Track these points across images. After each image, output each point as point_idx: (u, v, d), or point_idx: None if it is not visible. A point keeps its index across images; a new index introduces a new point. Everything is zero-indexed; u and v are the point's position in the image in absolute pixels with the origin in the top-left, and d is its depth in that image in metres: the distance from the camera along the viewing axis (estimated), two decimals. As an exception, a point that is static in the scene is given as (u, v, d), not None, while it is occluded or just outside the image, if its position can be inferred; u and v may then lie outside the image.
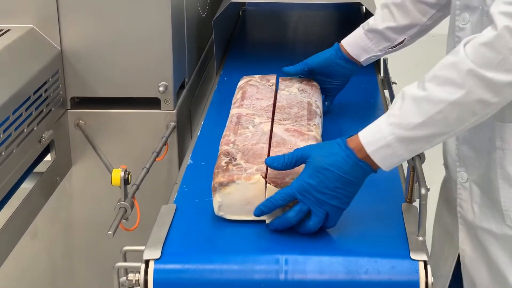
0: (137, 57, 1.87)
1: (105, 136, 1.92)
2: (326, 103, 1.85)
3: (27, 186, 1.75)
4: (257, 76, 1.83)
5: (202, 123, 1.86)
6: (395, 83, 2.27)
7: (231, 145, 1.46)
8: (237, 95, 1.73)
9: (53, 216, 1.99)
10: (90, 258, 2.03)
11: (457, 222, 1.54)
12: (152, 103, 1.91)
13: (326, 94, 1.84)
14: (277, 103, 1.68)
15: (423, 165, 1.41)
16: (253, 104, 1.65)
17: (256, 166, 1.38)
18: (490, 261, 1.46)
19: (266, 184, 1.34)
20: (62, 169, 1.90)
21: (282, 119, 1.59)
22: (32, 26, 1.84)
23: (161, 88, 1.87)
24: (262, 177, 1.34)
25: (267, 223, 1.34)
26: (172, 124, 1.91)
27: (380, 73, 2.26)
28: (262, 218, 1.35)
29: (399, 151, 1.27)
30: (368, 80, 2.19)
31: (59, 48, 1.86)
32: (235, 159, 1.40)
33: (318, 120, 1.61)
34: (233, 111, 1.64)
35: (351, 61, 1.78)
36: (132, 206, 1.46)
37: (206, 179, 1.47)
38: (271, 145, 1.47)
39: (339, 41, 1.81)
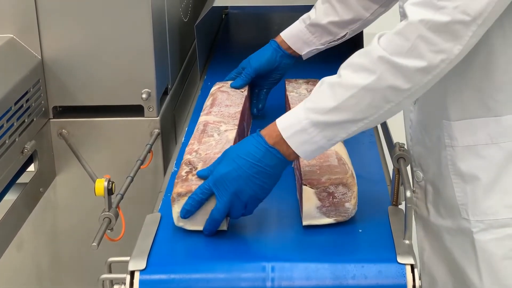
0: (119, 64, 1.85)
1: (88, 145, 1.91)
2: (262, 96, 1.87)
3: (10, 197, 1.73)
4: (229, 82, 1.82)
5: (186, 129, 1.85)
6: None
7: (194, 154, 1.46)
8: (207, 102, 1.73)
9: (38, 227, 1.97)
10: (77, 268, 2.01)
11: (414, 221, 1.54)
12: (136, 110, 1.90)
13: (263, 88, 1.86)
14: (290, 105, 1.67)
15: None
16: (221, 111, 1.65)
17: None
18: (447, 257, 1.46)
19: (302, 187, 1.35)
20: (46, 180, 1.88)
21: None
22: (12, 35, 1.82)
23: (144, 95, 1.85)
24: None
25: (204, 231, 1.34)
26: (156, 131, 1.89)
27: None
28: (221, 228, 1.35)
29: (315, 137, 1.26)
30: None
31: (40, 57, 1.84)
32: (196, 169, 1.39)
33: None
34: (201, 118, 1.63)
35: (291, 55, 1.80)
36: (117, 216, 1.45)
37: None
38: None
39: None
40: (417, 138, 1.48)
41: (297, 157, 1.29)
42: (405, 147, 1.46)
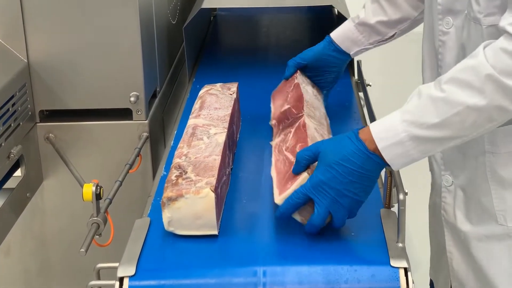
0: (107, 67, 1.83)
1: (76, 149, 1.88)
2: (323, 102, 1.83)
3: (-3, 203, 1.71)
4: (218, 84, 1.81)
5: (175, 132, 1.82)
6: (370, 85, 2.25)
7: (183, 157, 1.44)
8: (196, 104, 1.71)
9: (26, 233, 1.95)
10: (66, 274, 1.99)
11: (443, 226, 1.52)
12: (124, 114, 1.88)
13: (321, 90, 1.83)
14: (304, 98, 1.65)
15: (407, 170, 1.39)
16: (210, 114, 1.62)
17: (206, 179, 1.35)
18: (476, 264, 1.44)
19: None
20: (33, 185, 1.85)
21: (310, 115, 1.58)
22: (-3, 39, 1.79)
23: (132, 99, 1.83)
24: (212, 190, 1.32)
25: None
26: (145, 134, 1.87)
27: (354, 75, 2.24)
28: (212, 232, 1.33)
29: (411, 151, 1.25)
30: (342, 83, 2.16)
31: (26, 60, 1.81)
32: (186, 172, 1.37)
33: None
34: (190, 121, 1.61)
35: (344, 51, 1.77)
36: (105, 221, 1.43)
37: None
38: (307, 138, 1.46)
39: (312, 44, 1.80)
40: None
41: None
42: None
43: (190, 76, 2.22)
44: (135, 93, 1.85)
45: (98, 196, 1.41)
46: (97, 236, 1.42)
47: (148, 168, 1.88)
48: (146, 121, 1.88)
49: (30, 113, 1.83)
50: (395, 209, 1.38)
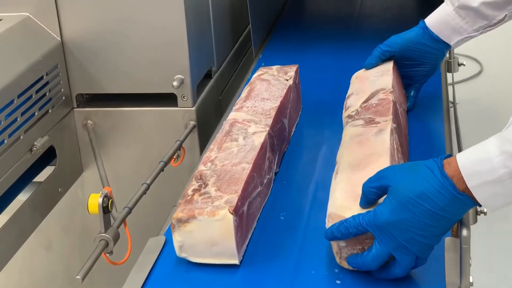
0: (149, 47, 1.61)
1: (115, 138, 1.68)
2: (412, 93, 1.56)
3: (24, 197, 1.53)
4: (275, 67, 1.55)
5: (224, 123, 1.59)
6: (463, 65, 1.94)
7: (209, 164, 1.20)
8: (243, 93, 1.46)
9: (67, 227, 1.77)
10: (108, 269, 1.79)
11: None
12: (169, 99, 1.65)
13: (411, 83, 1.56)
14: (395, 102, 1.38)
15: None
16: (255, 107, 1.38)
17: (227, 196, 1.11)
18: None
19: None
20: (68, 178, 1.67)
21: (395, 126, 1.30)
22: (28, 14, 1.60)
23: (175, 83, 1.60)
24: (230, 212, 1.07)
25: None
26: (192, 123, 1.64)
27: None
28: (232, 261, 1.10)
29: None
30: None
31: (59, 39, 1.62)
32: (206, 185, 1.14)
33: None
34: (230, 115, 1.37)
35: (442, 40, 1.49)
36: (117, 237, 1.21)
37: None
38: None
39: (419, 19, 1.52)
40: None
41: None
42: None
43: (256, 53, 1.97)
44: (179, 76, 1.61)
45: (106, 209, 1.19)
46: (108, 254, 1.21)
47: (195, 163, 1.65)
48: (193, 108, 1.65)
49: (64, 97, 1.63)
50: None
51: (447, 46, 1.50)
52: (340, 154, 1.23)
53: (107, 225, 1.20)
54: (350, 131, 1.28)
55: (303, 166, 1.40)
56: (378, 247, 1.02)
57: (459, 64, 1.87)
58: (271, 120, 1.34)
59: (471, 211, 1.06)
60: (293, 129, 1.51)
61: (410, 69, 1.53)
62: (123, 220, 1.26)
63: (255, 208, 1.20)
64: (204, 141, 1.67)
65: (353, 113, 1.35)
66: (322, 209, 1.14)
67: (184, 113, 1.65)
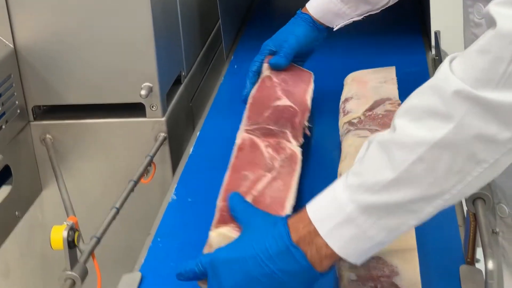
0: (112, 52, 1.46)
1: (78, 153, 1.53)
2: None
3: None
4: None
5: (198, 134, 1.44)
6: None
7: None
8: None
9: (26, 252, 1.61)
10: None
11: (502, 267, 1.14)
12: (136, 109, 1.50)
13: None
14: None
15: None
16: None
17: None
18: None
19: None
20: (26, 199, 1.51)
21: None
22: (-25, 19, 1.44)
23: (143, 92, 1.45)
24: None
25: None
26: (162, 135, 1.49)
27: (431, 49, 1.80)
28: None
29: (369, 231, 0.82)
30: (415, 60, 1.74)
31: (12, 46, 1.45)
32: None
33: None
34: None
35: (324, 29, 1.44)
36: (85, 274, 1.06)
37: (192, 227, 1.10)
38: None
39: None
40: None
41: (337, 261, 0.86)
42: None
43: (227, 53, 1.82)
44: (147, 84, 1.46)
45: (71, 244, 1.04)
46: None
47: (168, 178, 1.51)
48: (163, 119, 1.50)
49: (19, 110, 1.47)
50: (481, 265, 0.98)
51: (326, 32, 1.44)
52: (343, 167, 1.09)
53: (73, 261, 1.05)
54: (355, 142, 1.15)
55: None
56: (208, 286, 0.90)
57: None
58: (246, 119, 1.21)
59: (485, 230, 0.93)
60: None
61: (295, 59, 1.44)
62: (91, 253, 1.11)
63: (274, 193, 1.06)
64: (175, 154, 1.52)
65: (355, 121, 1.22)
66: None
67: (154, 124, 1.50)
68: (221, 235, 0.94)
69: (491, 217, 1.17)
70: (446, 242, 1.06)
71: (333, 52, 1.73)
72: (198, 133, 1.44)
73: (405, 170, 0.79)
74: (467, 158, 0.78)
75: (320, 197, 0.86)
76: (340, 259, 0.84)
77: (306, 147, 1.32)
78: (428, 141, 0.78)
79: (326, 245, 0.83)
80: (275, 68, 1.39)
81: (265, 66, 1.40)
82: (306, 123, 1.28)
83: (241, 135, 1.17)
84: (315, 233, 0.83)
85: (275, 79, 1.35)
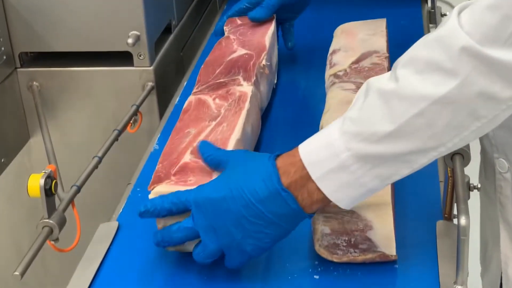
0: (100, -1, 1.43)
1: (65, 101, 1.51)
2: (288, 43, 1.47)
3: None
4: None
5: (185, 84, 1.43)
6: (446, 15, 1.79)
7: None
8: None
9: (14, 198, 1.61)
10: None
11: (498, 222, 1.14)
12: (124, 58, 1.49)
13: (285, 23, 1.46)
14: None
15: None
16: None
17: None
18: None
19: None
20: (12, 145, 1.50)
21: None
22: (-40, -37, 1.41)
23: (129, 40, 1.43)
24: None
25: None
26: (150, 84, 1.48)
27: (427, 2, 1.77)
28: None
29: (362, 178, 0.82)
30: (409, 13, 1.71)
31: (-3, -10, 1.44)
32: None
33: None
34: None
35: None
36: (63, 222, 1.06)
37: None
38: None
39: None
40: None
41: (327, 204, 0.86)
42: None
43: (220, 3, 1.80)
44: (134, 32, 1.44)
45: (49, 192, 1.04)
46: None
47: (154, 128, 1.50)
48: (150, 68, 1.48)
49: (5, 56, 1.46)
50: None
51: None
52: (326, 120, 1.08)
53: (50, 209, 1.05)
54: (338, 94, 1.14)
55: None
56: (187, 220, 0.90)
57: (442, 15, 1.72)
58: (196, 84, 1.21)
59: (461, 185, 0.93)
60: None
61: (286, 12, 1.44)
62: (70, 202, 1.10)
63: None
64: (163, 104, 1.51)
65: (340, 73, 1.20)
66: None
67: (141, 73, 1.48)
68: (160, 193, 0.93)
69: (489, 173, 1.16)
70: (426, 197, 1.06)
71: (327, 4, 1.71)
72: (185, 83, 1.43)
73: (404, 123, 0.79)
74: (468, 114, 0.78)
75: (314, 140, 0.85)
76: (329, 203, 0.85)
77: (273, 88, 1.31)
78: (431, 96, 0.78)
79: (318, 189, 0.84)
80: (255, 21, 1.36)
81: (225, 28, 1.37)
82: (264, 62, 1.25)
83: (187, 99, 1.16)
84: (307, 177, 0.84)
85: (232, 37, 1.33)
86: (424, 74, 0.78)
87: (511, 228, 1.11)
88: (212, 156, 0.95)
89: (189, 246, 0.93)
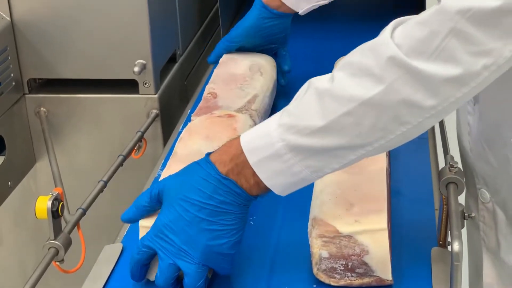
0: (107, 28, 1.48)
1: (71, 127, 1.55)
2: (285, 67, 1.50)
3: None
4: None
5: (189, 112, 1.47)
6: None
7: None
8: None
9: (19, 221, 1.64)
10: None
11: (482, 251, 1.17)
12: (129, 85, 1.53)
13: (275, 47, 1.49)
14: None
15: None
16: None
17: None
18: None
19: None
20: (18, 170, 1.54)
21: None
22: (-28, -9, 1.46)
23: (136, 69, 1.47)
24: None
25: None
26: (154, 112, 1.52)
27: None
28: None
29: (294, 167, 0.89)
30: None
31: (9, 18, 1.48)
32: None
33: None
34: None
35: (285, 14, 1.42)
36: (68, 244, 1.09)
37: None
38: None
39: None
40: (479, 152, 1.08)
41: (266, 191, 0.92)
42: (459, 165, 1.05)
43: (224, 34, 1.84)
44: (140, 61, 1.49)
45: (55, 214, 1.07)
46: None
47: (158, 155, 1.53)
48: (155, 96, 1.52)
49: (14, 83, 1.50)
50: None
51: (290, 16, 1.43)
52: None
53: (57, 230, 1.08)
54: None
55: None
56: (160, 261, 0.93)
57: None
58: None
59: (455, 213, 0.96)
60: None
61: (267, 47, 1.47)
62: (75, 224, 1.14)
63: None
64: (167, 131, 1.55)
65: None
66: (298, 212, 1.04)
67: (146, 101, 1.52)
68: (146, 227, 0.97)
69: (472, 203, 1.19)
70: (422, 225, 1.09)
71: (327, 35, 1.76)
72: (189, 111, 1.47)
73: (334, 120, 0.86)
74: (392, 119, 0.85)
75: (254, 130, 0.92)
76: (267, 190, 0.91)
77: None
78: (359, 98, 0.84)
79: (254, 173, 0.90)
80: (211, 63, 1.47)
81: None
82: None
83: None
84: (243, 163, 0.90)
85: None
86: (356, 78, 0.85)
87: (494, 257, 1.14)
88: (149, 198, 0.97)
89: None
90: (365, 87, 0.84)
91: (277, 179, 0.90)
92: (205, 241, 0.91)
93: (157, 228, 0.93)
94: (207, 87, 1.35)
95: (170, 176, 0.97)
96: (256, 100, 1.31)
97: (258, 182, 0.90)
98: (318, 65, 1.57)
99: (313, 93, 0.88)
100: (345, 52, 1.46)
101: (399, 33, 0.84)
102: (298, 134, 0.87)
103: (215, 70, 1.42)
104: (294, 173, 0.89)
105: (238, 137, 0.92)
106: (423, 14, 0.83)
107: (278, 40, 1.46)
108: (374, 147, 0.87)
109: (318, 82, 0.88)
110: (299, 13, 1.41)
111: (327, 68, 1.44)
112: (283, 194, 0.92)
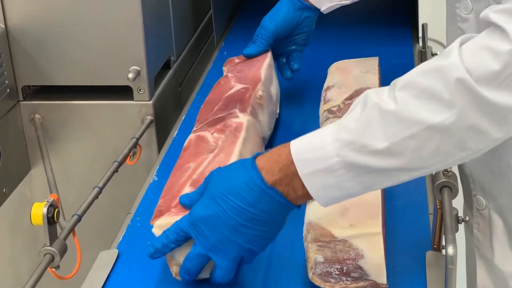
0: (101, 34, 1.48)
1: (66, 133, 1.55)
2: (295, 65, 1.49)
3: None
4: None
5: (183, 118, 1.47)
6: (437, 54, 1.83)
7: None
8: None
9: (14, 228, 1.64)
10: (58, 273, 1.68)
11: (475, 258, 1.18)
12: (124, 92, 1.53)
13: (291, 52, 1.48)
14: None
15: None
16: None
17: None
18: None
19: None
20: (14, 176, 1.54)
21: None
22: (-33, -1, 1.46)
23: (130, 75, 1.48)
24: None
25: None
26: (149, 118, 1.52)
27: (418, 42, 1.82)
28: None
29: (345, 182, 0.87)
30: (401, 52, 1.76)
31: (3, 26, 1.48)
32: None
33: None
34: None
35: (313, 7, 1.43)
36: (64, 250, 1.09)
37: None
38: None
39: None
40: (478, 157, 1.08)
41: (308, 199, 0.91)
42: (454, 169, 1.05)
43: (218, 40, 1.85)
44: (135, 67, 1.49)
45: (51, 220, 1.07)
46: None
47: (153, 161, 1.53)
48: (150, 102, 1.52)
49: (9, 89, 1.50)
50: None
51: (317, 12, 1.43)
52: None
53: (52, 237, 1.08)
54: None
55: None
56: (194, 247, 0.94)
57: (433, 54, 1.77)
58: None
59: (449, 216, 0.96)
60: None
61: (289, 44, 1.47)
62: (71, 230, 1.14)
63: None
64: (162, 137, 1.55)
65: (334, 109, 1.25)
66: (293, 217, 1.04)
67: (141, 107, 1.53)
68: (162, 225, 0.97)
69: (467, 210, 1.20)
70: (416, 229, 1.09)
71: (322, 41, 1.76)
72: (183, 117, 1.47)
73: (396, 142, 0.83)
74: (456, 144, 0.83)
75: (306, 140, 0.89)
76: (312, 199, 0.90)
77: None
78: (426, 122, 0.82)
79: (303, 186, 0.88)
80: (248, 57, 1.42)
81: (224, 69, 1.42)
82: (260, 93, 1.30)
83: (188, 138, 1.19)
84: (293, 174, 0.88)
85: (230, 75, 1.37)
86: (422, 100, 0.82)
87: (488, 263, 1.14)
88: (192, 195, 0.98)
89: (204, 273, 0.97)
90: (433, 111, 0.82)
91: (325, 192, 0.88)
92: (241, 243, 0.92)
93: (193, 217, 0.93)
94: None
95: (219, 168, 0.98)
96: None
97: (306, 194, 0.89)
98: (311, 70, 1.59)
99: (374, 111, 0.85)
100: (339, 58, 1.50)
101: (468, 55, 0.82)
102: (356, 151, 0.85)
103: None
104: (344, 188, 0.87)
105: (288, 145, 0.90)
106: (493, 43, 0.81)
107: (300, 38, 1.45)
108: (430, 170, 0.86)
109: (378, 98, 0.85)
110: (321, 10, 1.41)
111: (320, 73, 1.46)
112: (326, 205, 0.90)
